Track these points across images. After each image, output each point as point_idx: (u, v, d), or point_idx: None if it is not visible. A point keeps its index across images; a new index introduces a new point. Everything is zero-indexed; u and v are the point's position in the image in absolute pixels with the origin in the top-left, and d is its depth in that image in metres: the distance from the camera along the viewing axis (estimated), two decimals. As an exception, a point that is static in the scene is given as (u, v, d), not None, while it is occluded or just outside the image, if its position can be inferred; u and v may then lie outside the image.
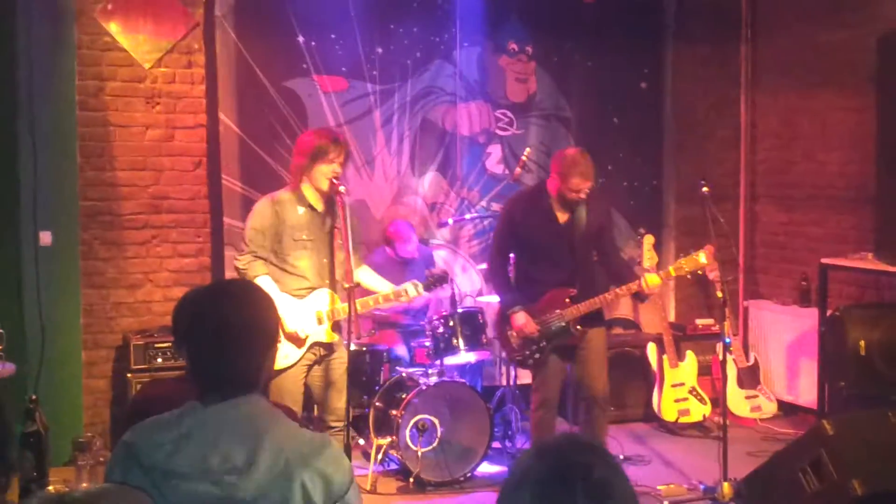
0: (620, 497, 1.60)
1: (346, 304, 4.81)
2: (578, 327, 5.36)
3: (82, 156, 6.30)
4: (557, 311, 5.37)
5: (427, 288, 5.20)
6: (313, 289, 4.99)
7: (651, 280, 5.23)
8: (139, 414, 2.30)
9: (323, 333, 4.98)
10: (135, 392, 5.97)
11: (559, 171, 5.31)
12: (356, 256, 5.04)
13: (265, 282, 4.87)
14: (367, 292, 5.18)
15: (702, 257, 5.24)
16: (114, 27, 6.32)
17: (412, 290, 5.09)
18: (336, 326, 5.04)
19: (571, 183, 5.24)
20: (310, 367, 5.05)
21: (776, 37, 7.58)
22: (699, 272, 5.33)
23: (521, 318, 5.40)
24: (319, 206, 5.01)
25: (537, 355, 5.46)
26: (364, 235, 6.62)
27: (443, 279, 5.30)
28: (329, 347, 5.04)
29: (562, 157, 5.37)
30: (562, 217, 5.41)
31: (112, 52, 6.34)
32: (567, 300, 5.36)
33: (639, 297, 5.47)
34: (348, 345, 4.83)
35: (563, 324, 5.35)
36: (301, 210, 4.98)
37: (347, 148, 5.02)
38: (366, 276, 5.19)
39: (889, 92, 6.01)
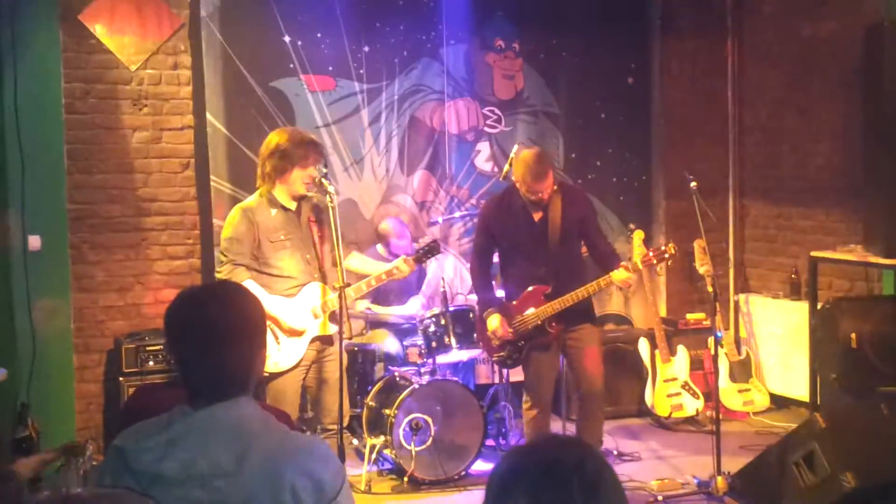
0: (612, 487, 1.64)
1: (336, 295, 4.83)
2: (553, 324, 5.35)
3: (69, 159, 6.29)
4: (532, 308, 5.36)
5: (418, 260, 5.34)
6: (302, 285, 5.00)
7: (617, 276, 5.21)
8: (131, 419, 2.29)
9: (319, 327, 5.02)
10: (127, 396, 5.97)
11: (516, 175, 5.31)
12: (343, 243, 5.06)
13: (251, 286, 4.87)
14: (360, 277, 5.26)
15: (671, 249, 5.28)
16: (99, 29, 6.30)
17: (404, 267, 5.22)
18: (331, 318, 5.04)
19: (526, 186, 5.24)
20: (308, 367, 5.05)
21: (762, 30, 7.59)
22: (667, 260, 5.32)
23: (494, 321, 5.41)
24: (291, 206, 5.03)
25: (516, 355, 5.50)
26: (354, 235, 6.67)
27: (434, 249, 5.43)
28: (328, 340, 5.05)
29: (517, 161, 5.38)
30: (536, 215, 5.38)
31: (98, 55, 6.33)
32: (542, 297, 5.35)
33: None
34: (340, 345, 4.83)
35: (539, 322, 5.34)
36: (273, 212, 4.99)
37: (324, 151, 5.13)
38: (357, 261, 5.30)
39: (875, 83, 6.01)
